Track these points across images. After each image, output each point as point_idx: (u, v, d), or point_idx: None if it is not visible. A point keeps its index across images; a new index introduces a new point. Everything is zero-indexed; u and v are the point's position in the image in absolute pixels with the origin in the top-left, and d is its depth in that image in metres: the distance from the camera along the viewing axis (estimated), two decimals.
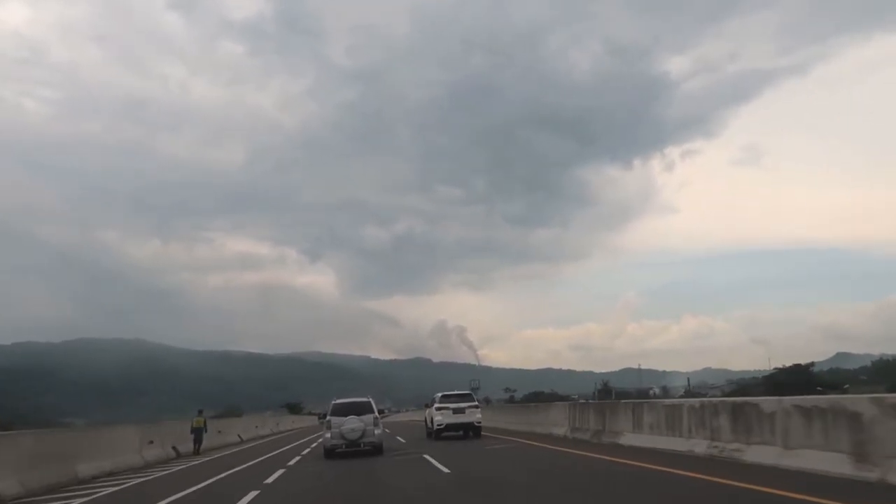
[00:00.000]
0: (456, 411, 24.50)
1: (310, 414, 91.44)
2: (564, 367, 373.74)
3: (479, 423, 24.70)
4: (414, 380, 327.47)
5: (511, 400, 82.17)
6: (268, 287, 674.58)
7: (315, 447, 24.16)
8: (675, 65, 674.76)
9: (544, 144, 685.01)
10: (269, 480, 13.32)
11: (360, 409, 18.79)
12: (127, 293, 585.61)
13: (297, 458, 19.61)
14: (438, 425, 24.39)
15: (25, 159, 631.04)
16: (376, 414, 19.01)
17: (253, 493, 11.09)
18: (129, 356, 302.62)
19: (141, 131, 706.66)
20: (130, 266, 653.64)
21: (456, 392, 26.59)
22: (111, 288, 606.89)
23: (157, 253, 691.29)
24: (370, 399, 19.87)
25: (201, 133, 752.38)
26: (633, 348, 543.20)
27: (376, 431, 18.42)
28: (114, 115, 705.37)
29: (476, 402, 25.77)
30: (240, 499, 10.55)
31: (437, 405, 25.23)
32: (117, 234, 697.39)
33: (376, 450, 18.35)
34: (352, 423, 18.20)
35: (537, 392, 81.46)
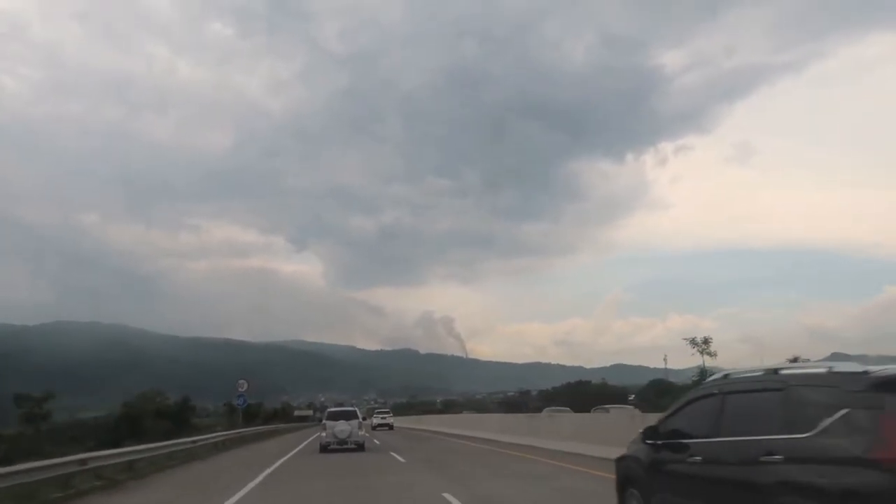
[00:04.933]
0: (382, 417, 52.00)
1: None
2: (553, 362, 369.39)
3: (392, 423, 50.88)
4: (401, 371, 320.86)
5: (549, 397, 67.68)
6: (253, 275, 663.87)
7: None
8: (671, 58, 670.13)
9: (536, 136, 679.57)
10: None
11: (349, 416, 24.15)
12: (107, 277, 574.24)
13: None
14: (374, 424, 48.22)
15: (4, 138, 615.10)
16: (360, 420, 24.57)
17: None
18: (106, 340, 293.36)
19: (124, 112, 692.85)
20: (112, 250, 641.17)
21: (382, 409, 61.89)
22: (91, 271, 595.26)
23: (139, 237, 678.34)
24: (356, 408, 26.97)
25: (186, 115, 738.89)
26: (618, 345, 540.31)
27: (360, 433, 23.79)
28: (96, 95, 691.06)
29: (390, 412, 58.86)
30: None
31: (374, 415, 54.53)
32: (98, 217, 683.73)
33: (360, 447, 23.42)
34: (341, 426, 23.20)
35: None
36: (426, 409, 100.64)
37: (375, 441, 29.40)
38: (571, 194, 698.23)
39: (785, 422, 4.61)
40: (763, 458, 4.64)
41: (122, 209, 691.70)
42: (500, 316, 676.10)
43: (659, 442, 6.22)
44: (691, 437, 5.72)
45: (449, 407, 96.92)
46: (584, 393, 64.22)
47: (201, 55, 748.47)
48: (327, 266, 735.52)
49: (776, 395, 4.83)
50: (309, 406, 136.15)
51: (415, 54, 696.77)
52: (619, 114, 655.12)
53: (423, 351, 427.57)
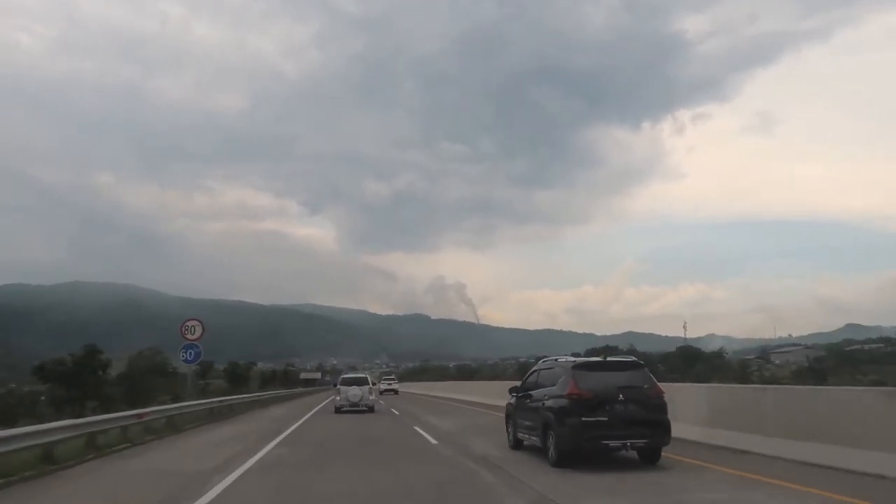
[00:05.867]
0: (388, 383, 59.89)
1: None
2: (565, 329, 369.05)
3: (398, 389, 58.10)
4: (412, 336, 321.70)
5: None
6: (266, 238, 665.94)
7: None
8: (693, 24, 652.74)
9: (552, 103, 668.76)
10: None
11: (360, 382, 27.31)
12: (122, 238, 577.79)
13: None
14: (381, 389, 52.90)
15: (19, 97, 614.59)
16: (371, 386, 28.17)
17: None
18: (119, 300, 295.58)
19: (138, 71, 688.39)
20: (127, 211, 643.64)
21: (388, 377, 73.26)
22: (106, 232, 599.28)
23: (154, 198, 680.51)
24: (367, 375, 31.22)
25: (201, 76, 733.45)
26: (629, 312, 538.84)
27: (371, 397, 27.12)
28: (111, 54, 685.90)
29: (396, 379, 70.05)
30: None
31: (381, 381, 60.90)
32: (113, 178, 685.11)
33: (370, 410, 26.53)
34: (354, 391, 26.43)
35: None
36: (441, 374, 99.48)
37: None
38: (586, 162, 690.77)
39: (551, 382, 11.40)
40: (545, 398, 11.32)
41: (137, 170, 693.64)
42: (512, 283, 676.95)
43: (519, 394, 12.94)
44: (530, 391, 12.34)
45: (465, 373, 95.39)
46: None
47: (216, 15, 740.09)
48: (340, 230, 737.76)
49: (553, 370, 11.71)
50: (318, 368, 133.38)
51: (431, 18, 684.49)
52: (637, 81, 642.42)
53: (434, 316, 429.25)
